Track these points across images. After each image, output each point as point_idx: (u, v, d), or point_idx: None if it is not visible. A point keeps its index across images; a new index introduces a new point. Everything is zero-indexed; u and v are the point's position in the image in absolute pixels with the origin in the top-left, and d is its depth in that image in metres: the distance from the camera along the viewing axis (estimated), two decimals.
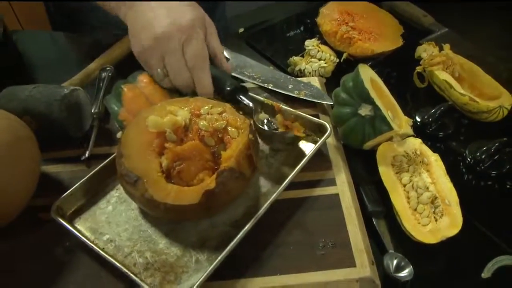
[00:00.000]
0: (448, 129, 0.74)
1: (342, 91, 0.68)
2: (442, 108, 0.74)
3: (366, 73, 0.68)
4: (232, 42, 0.91)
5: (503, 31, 0.86)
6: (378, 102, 0.65)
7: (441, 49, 0.80)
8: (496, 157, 0.68)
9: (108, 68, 0.79)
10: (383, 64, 0.82)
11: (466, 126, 0.75)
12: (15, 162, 0.58)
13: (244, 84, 0.74)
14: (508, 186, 0.68)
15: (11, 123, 0.61)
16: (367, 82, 0.66)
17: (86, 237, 0.58)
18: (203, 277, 0.52)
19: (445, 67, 0.77)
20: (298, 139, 0.67)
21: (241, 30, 0.96)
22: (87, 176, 0.63)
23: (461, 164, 0.70)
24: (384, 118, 0.64)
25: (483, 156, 0.68)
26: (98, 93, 0.76)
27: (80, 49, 0.96)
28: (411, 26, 0.91)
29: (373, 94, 0.65)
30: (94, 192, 0.64)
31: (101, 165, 0.65)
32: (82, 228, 0.61)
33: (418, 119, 0.75)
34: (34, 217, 0.63)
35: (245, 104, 0.69)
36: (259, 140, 0.66)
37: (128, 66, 0.76)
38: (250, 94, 0.72)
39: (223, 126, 0.62)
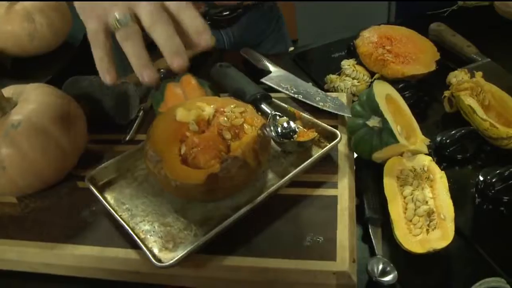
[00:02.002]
0: (467, 153, 0.75)
1: (357, 103, 0.72)
2: (462, 131, 0.75)
3: (382, 89, 0.72)
4: (281, 59, 0.99)
5: None
6: (387, 116, 0.68)
7: (472, 76, 0.81)
8: (508, 183, 0.68)
9: (162, 70, 0.90)
10: (416, 87, 0.85)
11: (486, 152, 0.75)
12: (64, 133, 0.69)
13: (274, 92, 0.81)
14: None
15: (64, 101, 0.72)
16: (379, 96, 0.69)
17: (109, 204, 0.68)
18: (192, 247, 0.59)
19: (473, 94, 0.78)
20: (303, 144, 0.72)
21: (291, 49, 1.03)
22: (121, 155, 0.73)
23: (474, 188, 0.71)
24: (391, 131, 0.68)
25: (493, 180, 0.68)
26: (149, 90, 0.87)
27: None
28: (454, 55, 0.93)
29: (383, 108, 0.68)
30: (126, 169, 0.74)
31: (135, 146, 0.75)
32: (108, 197, 0.70)
33: (438, 140, 0.76)
34: (72, 184, 0.74)
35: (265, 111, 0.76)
36: (273, 141, 0.72)
37: None
38: (276, 101, 0.79)
39: (240, 123, 0.69)
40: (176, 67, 0.57)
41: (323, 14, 2.43)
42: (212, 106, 0.71)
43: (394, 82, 0.84)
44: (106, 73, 0.58)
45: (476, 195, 0.70)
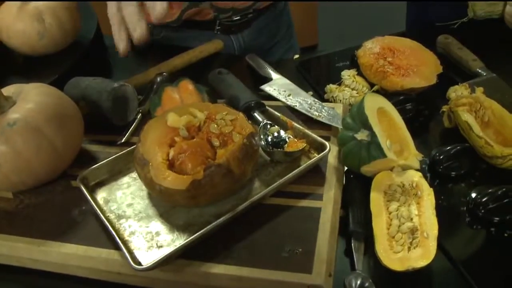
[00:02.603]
0: (461, 170, 0.73)
1: (348, 115, 0.72)
2: (458, 147, 0.74)
3: (374, 102, 0.71)
4: (285, 66, 0.99)
5: None
6: (376, 129, 0.67)
7: (473, 91, 0.80)
8: (500, 203, 0.66)
9: (164, 73, 0.92)
10: (416, 101, 0.83)
11: (482, 170, 0.73)
12: (59, 133, 0.71)
13: (272, 100, 0.82)
14: (506, 235, 0.65)
15: (62, 102, 0.74)
16: (369, 109, 0.69)
17: (97, 204, 0.69)
18: (170, 251, 0.60)
19: (472, 110, 0.76)
20: (292, 154, 0.72)
21: (296, 56, 1.03)
22: (114, 156, 0.75)
23: (464, 206, 0.69)
24: (379, 145, 0.67)
25: (484, 199, 0.67)
26: (149, 93, 0.88)
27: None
28: (460, 69, 0.91)
29: (372, 121, 0.68)
30: (118, 171, 0.75)
31: (128, 149, 0.76)
32: (98, 197, 0.72)
33: (432, 155, 0.75)
34: (67, 183, 0.75)
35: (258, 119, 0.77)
36: (262, 150, 0.73)
37: (181, 75, 0.87)
38: (269, 109, 0.79)
39: (229, 130, 0.69)
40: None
41: (345, 19, 2.41)
42: (204, 112, 0.72)
43: (393, 94, 0.83)
44: (120, 42, 0.72)
45: (467, 214, 0.69)
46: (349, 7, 2.37)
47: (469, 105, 0.76)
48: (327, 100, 0.88)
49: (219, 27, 1.14)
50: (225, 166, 0.64)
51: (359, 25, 2.24)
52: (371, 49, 0.88)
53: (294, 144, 0.73)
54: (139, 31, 0.69)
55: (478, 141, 0.72)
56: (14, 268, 0.69)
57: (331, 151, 0.72)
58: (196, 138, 0.70)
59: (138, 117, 0.84)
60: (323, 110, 0.79)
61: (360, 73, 0.89)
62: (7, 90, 0.75)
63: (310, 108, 0.80)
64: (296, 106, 0.82)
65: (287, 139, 0.74)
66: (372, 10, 2.26)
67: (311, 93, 0.88)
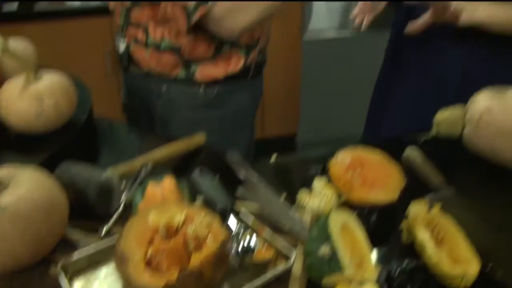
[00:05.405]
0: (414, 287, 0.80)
1: (315, 228, 0.78)
2: (414, 263, 0.81)
3: (339, 218, 0.78)
4: (261, 167, 1.07)
5: None
6: (338, 245, 0.74)
7: (432, 207, 0.87)
8: None
9: (148, 165, 0.98)
10: (380, 213, 0.91)
11: None
12: (46, 221, 0.76)
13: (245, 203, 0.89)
14: None
15: (51, 190, 0.80)
16: (333, 226, 0.76)
17: None
18: None
19: (429, 226, 0.83)
20: (259, 263, 0.78)
21: (274, 157, 1.10)
22: (95, 249, 0.79)
23: None
24: (339, 260, 0.73)
25: None
26: (133, 184, 0.94)
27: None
28: (423, 183, 1.00)
29: (335, 237, 0.74)
30: (97, 262, 0.80)
31: (109, 242, 0.80)
32: (75, 284, 0.76)
33: (388, 270, 0.81)
34: (46, 268, 0.79)
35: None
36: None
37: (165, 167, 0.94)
38: (243, 214, 0.86)
39: (205, 234, 0.75)
40: None
41: (326, 110, 2.52)
42: (183, 213, 0.78)
43: (358, 207, 0.91)
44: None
45: None
46: (332, 97, 2.49)
47: (427, 221, 0.84)
48: (299, 207, 0.94)
49: None
50: (198, 271, 0.69)
51: (342, 118, 2.36)
52: (342, 160, 0.96)
53: (262, 253, 0.79)
54: None
55: (431, 259, 0.79)
56: None
57: (297, 259, 0.78)
58: (174, 238, 0.75)
59: (121, 208, 0.89)
60: (293, 221, 0.85)
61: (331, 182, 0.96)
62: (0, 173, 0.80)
63: (280, 217, 0.86)
64: (268, 213, 0.88)
65: (256, 247, 0.80)
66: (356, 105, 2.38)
67: (283, 197, 0.94)
